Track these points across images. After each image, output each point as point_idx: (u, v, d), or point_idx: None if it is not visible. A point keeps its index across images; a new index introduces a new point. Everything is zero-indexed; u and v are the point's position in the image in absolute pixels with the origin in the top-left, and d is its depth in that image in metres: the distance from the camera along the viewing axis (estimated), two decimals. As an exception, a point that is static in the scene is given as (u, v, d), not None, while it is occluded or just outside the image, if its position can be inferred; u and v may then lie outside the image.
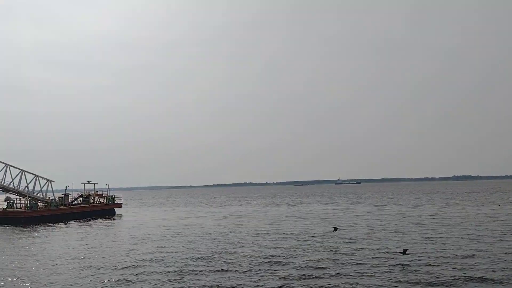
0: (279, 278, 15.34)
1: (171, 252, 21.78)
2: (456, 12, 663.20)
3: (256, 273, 16.24)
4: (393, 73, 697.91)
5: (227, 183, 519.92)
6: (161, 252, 21.98)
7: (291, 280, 15.11)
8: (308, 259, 18.87)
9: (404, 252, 18.79)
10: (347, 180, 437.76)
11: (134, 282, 15.35)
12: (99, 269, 18.06)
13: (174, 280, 15.57)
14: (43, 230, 36.46)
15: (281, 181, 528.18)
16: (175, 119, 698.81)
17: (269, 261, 18.47)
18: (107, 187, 61.25)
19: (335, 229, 28.15)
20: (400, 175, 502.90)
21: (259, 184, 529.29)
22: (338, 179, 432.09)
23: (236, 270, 16.84)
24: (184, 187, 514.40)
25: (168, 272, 16.91)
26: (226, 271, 16.79)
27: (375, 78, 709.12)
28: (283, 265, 17.72)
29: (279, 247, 22.37)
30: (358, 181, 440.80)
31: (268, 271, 16.62)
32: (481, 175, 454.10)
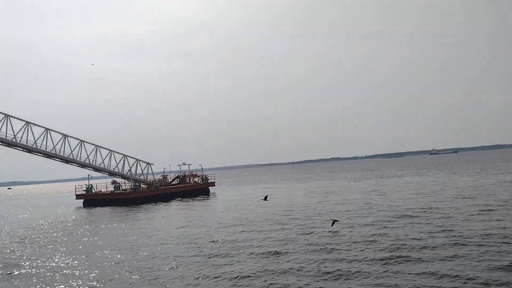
0: (379, 259, 14.74)
1: (266, 231, 21.88)
2: None
3: (358, 252, 15.78)
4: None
5: (313, 159, 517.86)
6: (259, 230, 22.07)
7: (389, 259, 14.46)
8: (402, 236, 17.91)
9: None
10: (443, 150, 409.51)
11: (232, 255, 15.83)
12: (198, 240, 20.05)
13: (270, 259, 15.70)
14: (148, 209, 39.48)
15: (370, 154, 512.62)
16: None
17: (366, 241, 17.80)
18: (200, 167, 64.24)
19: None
20: (501, 141, 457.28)
21: (347, 158, 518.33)
22: (433, 149, 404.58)
23: (333, 249, 16.51)
24: (271, 164, 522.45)
25: (264, 251, 16.96)
26: (323, 250, 16.53)
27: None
28: (385, 240, 17.04)
29: (380, 224, 21.54)
30: (455, 150, 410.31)
31: (365, 250, 16.07)
32: None
